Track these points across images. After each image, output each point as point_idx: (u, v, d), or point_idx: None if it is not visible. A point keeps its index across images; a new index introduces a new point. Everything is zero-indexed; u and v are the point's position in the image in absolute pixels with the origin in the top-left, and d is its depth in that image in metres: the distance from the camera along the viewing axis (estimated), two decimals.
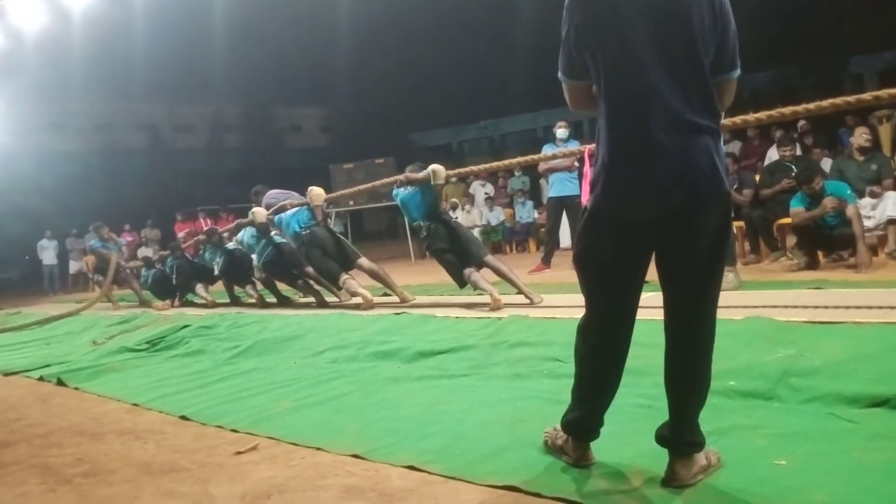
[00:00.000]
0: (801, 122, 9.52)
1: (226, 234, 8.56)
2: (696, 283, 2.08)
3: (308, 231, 6.68)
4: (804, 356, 2.96)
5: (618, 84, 2.03)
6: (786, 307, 3.96)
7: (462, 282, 5.66)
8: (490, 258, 5.77)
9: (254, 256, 7.51)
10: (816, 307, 3.98)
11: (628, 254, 2.12)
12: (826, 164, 8.36)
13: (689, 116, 1.97)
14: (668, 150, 1.97)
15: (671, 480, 2.10)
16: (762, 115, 4.44)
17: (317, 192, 6.86)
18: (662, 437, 2.18)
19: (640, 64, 1.98)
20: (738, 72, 2.09)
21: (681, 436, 2.13)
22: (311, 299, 7.35)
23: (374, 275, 6.64)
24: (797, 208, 6.08)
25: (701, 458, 2.13)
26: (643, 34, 1.97)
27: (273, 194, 8.11)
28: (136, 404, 4.02)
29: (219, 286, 8.93)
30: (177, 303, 9.08)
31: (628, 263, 2.13)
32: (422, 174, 5.89)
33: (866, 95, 3.95)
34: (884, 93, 3.90)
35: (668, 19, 1.97)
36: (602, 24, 2.03)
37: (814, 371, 2.83)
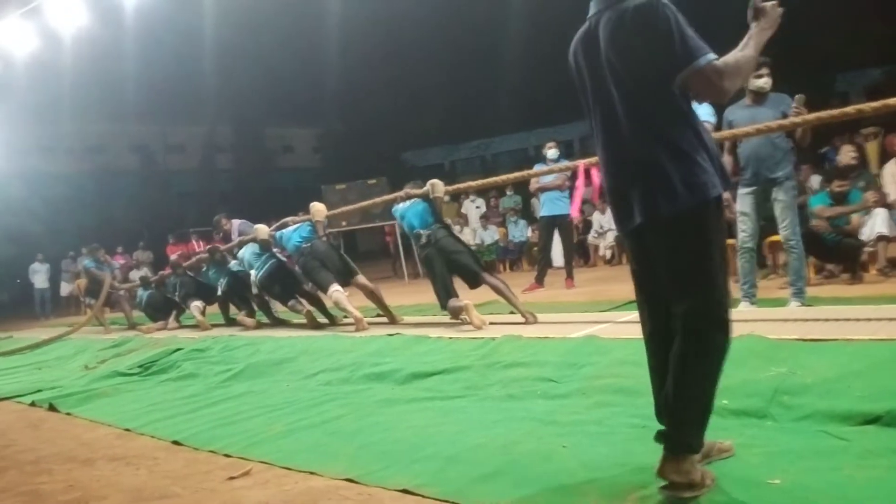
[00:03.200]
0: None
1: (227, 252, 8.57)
2: (667, 297, 2.22)
3: (309, 244, 6.75)
4: (796, 374, 2.97)
5: (592, 120, 2.35)
6: (777, 324, 3.98)
7: (444, 304, 5.66)
8: (485, 275, 5.78)
9: (252, 272, 7.50)
10: (808, 322, 4.00)
11: (633, 261, 2.39)
12: (815, 181, 8.43)
13: (635, 142, 2.18)
14: (617, 176, 2.27)
15: (658, 473, 2.16)
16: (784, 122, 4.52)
17: (318, 208, 7.00)
18: (659, 433, 2.26)
19: (596, 101, 2.29)
20: (697, 62, 2.07)
21: (669, 431, 2.18)
22: (304, 320, 7.34)
23: (369, 294, 6.65)
24: (821, 206, 6.12)
25: (692, 471, 2.13)
26: (591, 78, 2.30)
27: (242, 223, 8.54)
28: (127, 429, 3.99)
29: (213, 308, 8.91)
30: (173, 323, 9.04)
31: (635, 269, 2.38)
32: (421, 190, 6.06)
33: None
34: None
35: (600, 61, 2.24)
36: (576, 73, 2.39)
37: (805, 389, 2.84)
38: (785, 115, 4.68)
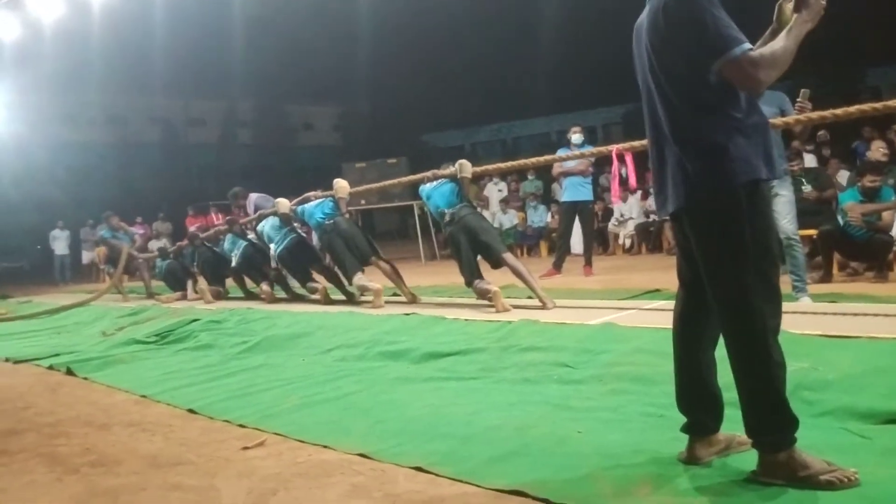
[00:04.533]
0: (820, 132, 9.47)
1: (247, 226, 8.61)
2: (701, 282, 2.23)
3: (332, 221, 6.76)
4: (817, 370, 2.93)
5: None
6: (800, 318, 3.93)
7: (469, 282, 5.66)
8: (508, 256, 5.76)
9: (272, 246, 7.52)
10: (830, 319, 3.95)
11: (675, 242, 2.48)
12: (843, 176, 8.31)
13: (667, 129, 2.21)
14: (655, 162, 2.32)
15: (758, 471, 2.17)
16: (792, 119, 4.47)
17: (342, 185, 7.00)
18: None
19: (642, 88, 2.34)
20: (732, 52, 2.05)
21: (749, 429, 2.16)
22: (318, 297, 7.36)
23: (387, 274, 6.66)
24: (852, 202, 6.05)
25: (790, 465, 2.08)
26: (639, 66, 2.35)
27: (259, 197, 8.45)
28: (144, 396, 4.03)
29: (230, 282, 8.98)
30: (190, 294, 9.11)
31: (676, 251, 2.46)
32: (449, 169, 6.04)
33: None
34: None
35: (643, 55, 2.29)
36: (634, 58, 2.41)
37: (827, 385, 2.80)
38: (782, 111, 4.66)
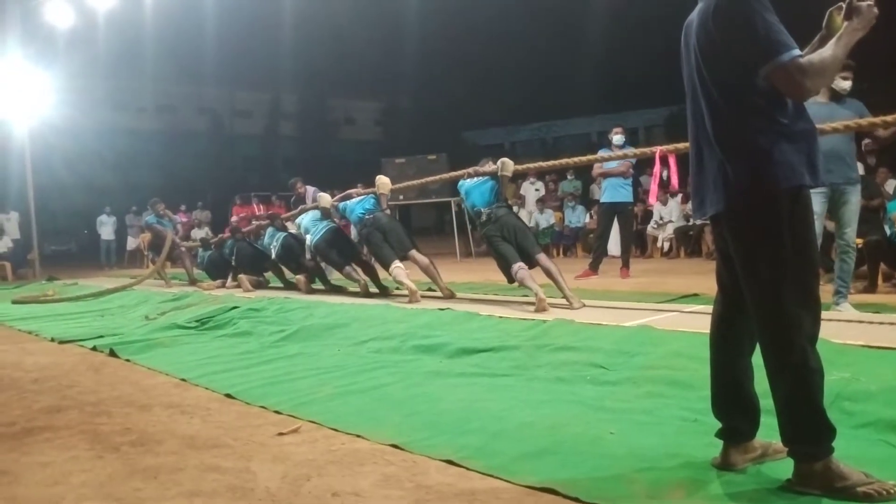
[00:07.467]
0: (866, 141, 9.21)
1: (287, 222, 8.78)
2: (740, 287, 2.20)
3: (372, 216, 6.83)
4: (859, 380, 2.87)
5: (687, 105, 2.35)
6: (843, 328, 3.85)
7: (511, 276, 5.66)
8: (542, 257, 5.77)
9: (308, 237, 7.63)
10: (874, 330, 3.86)
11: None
12: (891, 185, 8.10)
13: (712, 131, 2.18)
14: (694, 163, 2.30)
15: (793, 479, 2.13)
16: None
17: (384, 181, 7.08)
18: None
19: (687, 87, 2.31)
20: (781, 57, 2.02)
21: (785, 436, 2.13)
22: (358, 289, 7.43)
23: (425, 268, 6.71)
24: None
25: (826, 474, 2.04)
26: (686, 64, 2.31)
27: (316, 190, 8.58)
28: (183, 379, 4.11)
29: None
30: (229, 283, 9.29)
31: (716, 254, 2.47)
32: (491, 167, 6.04)
33: None
34: None
35: (690, 54, 2.27)
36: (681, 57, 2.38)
37: (868, 396, 2.75)
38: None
